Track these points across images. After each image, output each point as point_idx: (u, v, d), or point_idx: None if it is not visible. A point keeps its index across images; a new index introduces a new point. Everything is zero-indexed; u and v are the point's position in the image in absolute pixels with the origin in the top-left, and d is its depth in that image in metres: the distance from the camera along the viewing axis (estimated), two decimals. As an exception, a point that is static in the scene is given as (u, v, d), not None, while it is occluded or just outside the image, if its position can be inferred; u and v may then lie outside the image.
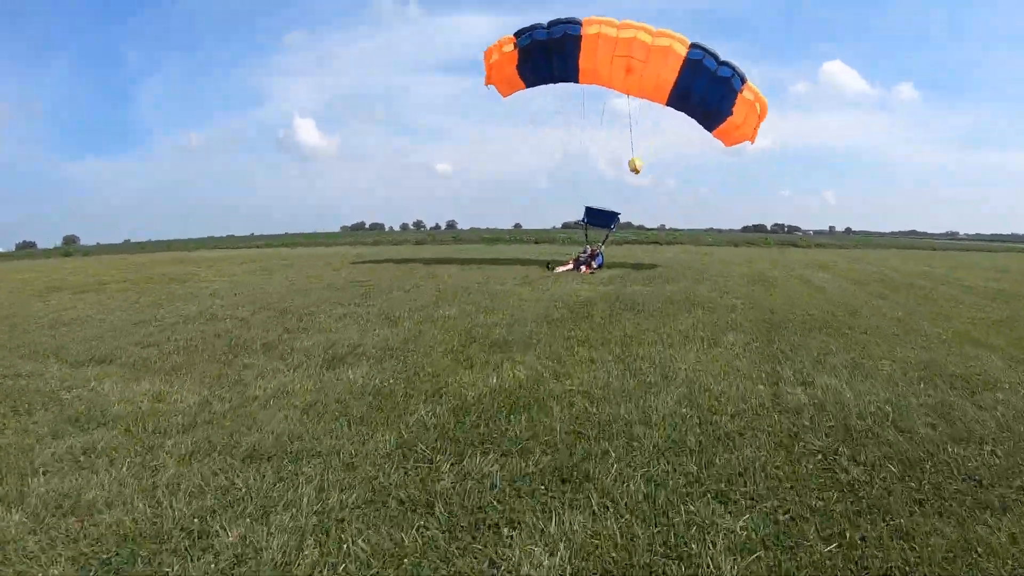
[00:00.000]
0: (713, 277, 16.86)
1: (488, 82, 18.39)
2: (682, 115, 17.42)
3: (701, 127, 17.65)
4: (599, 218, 19.51)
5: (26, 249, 74.88)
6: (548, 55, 17.09)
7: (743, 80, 16.71)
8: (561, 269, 17.76)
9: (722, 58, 16.36)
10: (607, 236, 20.10)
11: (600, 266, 18.15)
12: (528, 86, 18.37)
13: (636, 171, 17.74)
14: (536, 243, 40.96)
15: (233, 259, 29.41)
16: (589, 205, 19.34)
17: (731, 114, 16.97)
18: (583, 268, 17.65)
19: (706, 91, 16.67)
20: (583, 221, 19.77)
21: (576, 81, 17.65)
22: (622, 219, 20.87)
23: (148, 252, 45.19)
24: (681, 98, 17.05)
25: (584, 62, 16.95)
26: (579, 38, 16.53)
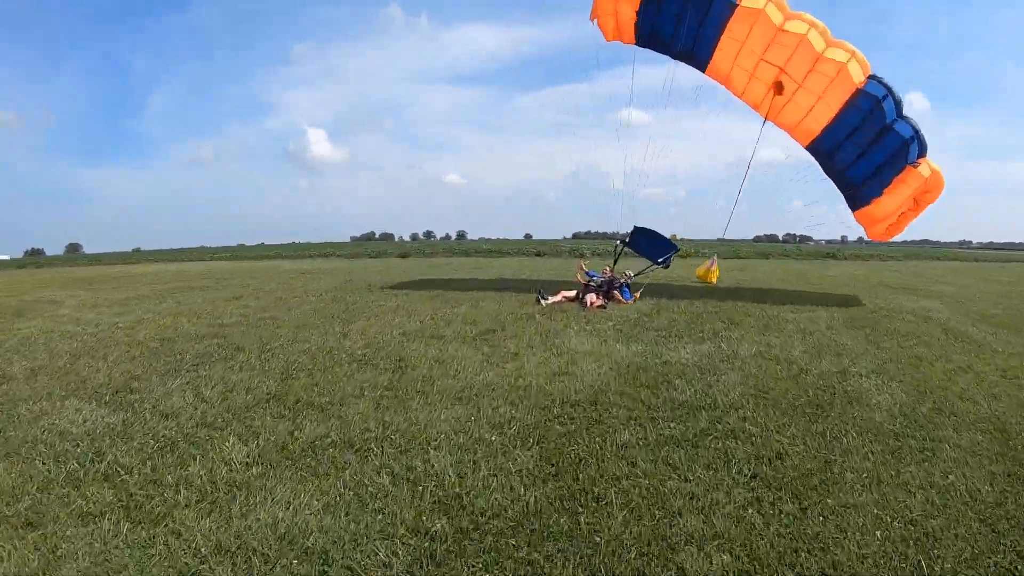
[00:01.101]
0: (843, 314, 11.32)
1: (594, 15, 12.57)
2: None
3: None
4: (650, 245, 13.81)
5: (34, 256, 73.02)
6: (683, 7, 11.22)
7: (922, 149, 10.91)
8: (553, 300, 12.48)
9: (903, 106, 10.66)
10: (650, 268, 14.05)
11: (628, 300, 12.72)
12: (638, 43, 12.44)
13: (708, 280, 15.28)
14: (539, 255, 35.84)
15: (155, 278, 24.15)
16: (640, 226, 13.81)
17: (881, 195, 11.39)
18: (591, 300, 12.11)
19: (866, 148, 11.03)
20: (622, 242, 14.15)
21: (701, 69, 12.17)
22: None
23: (102, 264, 40.72)
24: (827, 152, 11.66)
25: (722, 51, 11.47)
26: (733, 5, 10.72)
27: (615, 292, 12.77)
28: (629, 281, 13.20)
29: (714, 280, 15.53)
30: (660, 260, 13.65)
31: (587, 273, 13.65)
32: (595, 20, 12.62)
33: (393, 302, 13.14)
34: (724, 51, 11.44)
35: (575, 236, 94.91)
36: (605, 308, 11.75)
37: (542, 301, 12.30)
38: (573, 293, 12.72)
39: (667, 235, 14.04)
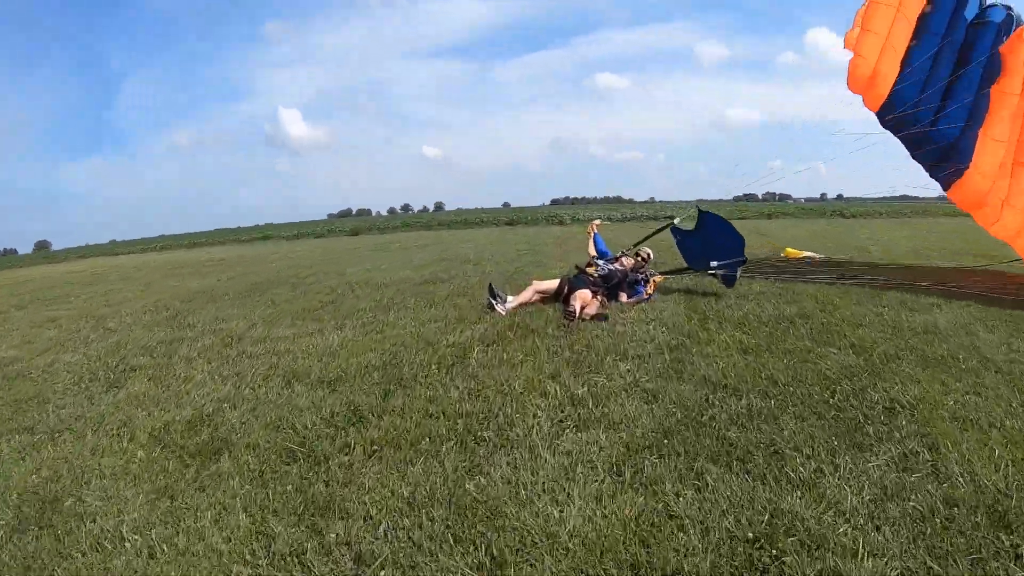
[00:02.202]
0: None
1: (855, 79, 7.36)
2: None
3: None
4: (707, 243, 7.81)
5: (7, 255, 67.53)
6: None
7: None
8: (517, 301, 7.08)
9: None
10: (693, 273, 8.36)
11: (645, 299, 7.30)
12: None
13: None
14: (510, 224, 30.24)
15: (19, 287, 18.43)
16: (708, 210, 8.00)
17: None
18: (582, 305, 6.51)
19: None
20: (671, 225, 8.46)
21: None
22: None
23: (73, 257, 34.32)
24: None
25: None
26: None
27: (622, 292, 7.34)
28: (651, 277, 7.58)
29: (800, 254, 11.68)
30: (719, 267, 7.41)
31: (596, 245, 8.21)
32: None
33: (216, 335, 7.61)
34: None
35: (553, 202, 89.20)
36: (606, 319, 6.36)
37: (497, 306, 6.97)
38: (551, 285, 7.25)
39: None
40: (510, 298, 7.27)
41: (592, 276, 7.22)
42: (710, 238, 7.70)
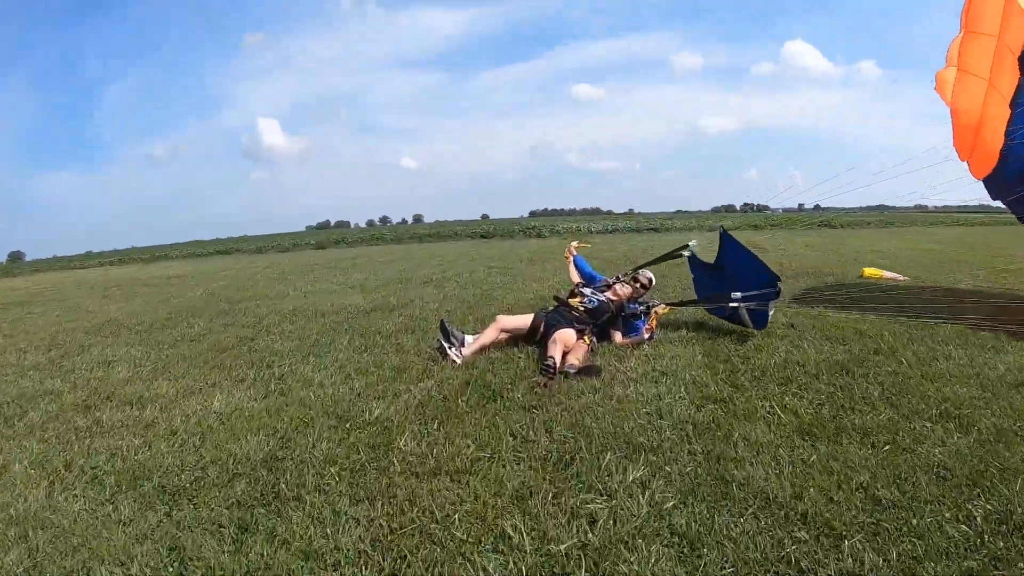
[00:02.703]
0: None
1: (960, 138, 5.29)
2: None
3: None
4: (722, 275, 5.89)
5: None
6: None
7: None
8: (476, 345, 5.22)
9: None
10: (703, 302, 6.14)
11: (645, 338, 5.42)
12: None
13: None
14: (485, 237, 28.48)
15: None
16: (730, 233, 5.96)
17: None
18: (564, 351, 4.80)
19: None
20: (683, 251, 6.42)
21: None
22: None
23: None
24: None
25: None
26: None
27: (615, 329, 5.61)
28: (653, 309, 5.68)
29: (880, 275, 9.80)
30: (745, 299, 5.43)
31: (581, 270, 6.46)
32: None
33: (84, 389, 5.75)
34: None
35: (532, 214, 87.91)
36: (598, 373, 4.54)
37: (450, 351, 5.17)
38: (522, 323, 5.40)
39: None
40: (469, 338, 5.51)
41: (576, 310, 5.50)
42: (733, 272, 5.66)
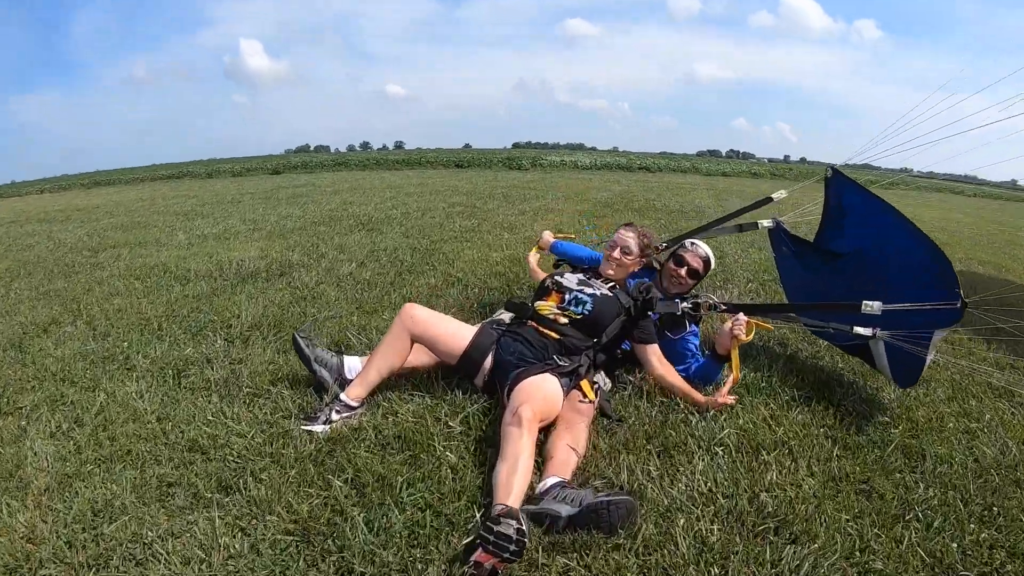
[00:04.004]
0: None
1: None
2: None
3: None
4: (858, 266, 2.83)
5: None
6: None
7: None
8: (357, 391, 2.45)
9: None
10: (793, 312, 3.26)
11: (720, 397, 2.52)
12: None
13: None
14: (460, 167, 24.93)
15: None
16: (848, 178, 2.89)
17: None
18: (511, 532, 1.56)
19: None
20: (783, 245, 3.32)
21: None
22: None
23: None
24: None
25: None
26: None
27: (643, 342, 2.63)
28: (707, 308, 2.77)
29: None
30: (883, 326, 2.51)
31: (569, 257, 3.33)
32: None
33: None
34: None
35: (515, 146, 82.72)
36: (619, 516, 1.69)
37: (318, 422, 2.39)
38: (453, 345, 2.49)
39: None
40: (355, 362, 2.73)
41: (554, 326, 2.59)
42: (863, 264, 2.84)
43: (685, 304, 2.76)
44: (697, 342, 2.97)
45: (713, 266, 3.11)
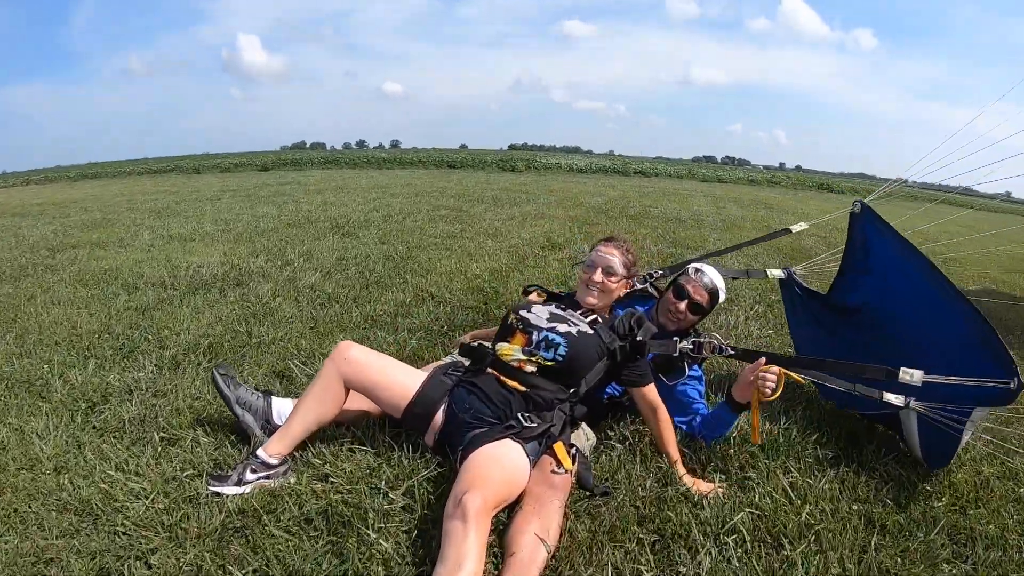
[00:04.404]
0: None
1: None
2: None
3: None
4: (885, 324, 2.43)
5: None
6: None
7: None
8: (277, 448, 1.98)
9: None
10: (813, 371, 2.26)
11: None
12: None
13: None
14: (452, 167, 24.42)
15: None
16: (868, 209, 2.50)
17: None
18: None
19: None
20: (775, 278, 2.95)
21: None
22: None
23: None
24: None
25: None
26: None
27: (637, 385, 2.11)
28: (711, 348, 2.24)
29: None
30: (918, 398, 2.00)
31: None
32: None
33: None
34: None
35: (511, 147, 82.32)
36: None
37: (228, 484, 1.93)
38: (392, 387, 2.01)
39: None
40: (284, 405, 2.24)
41: (521, 370, 2.02)
42: (889, 304, 2.41)
43: (684, 344, 2.26)
44: (702, 388, 2.45)
45: (722, 300, 2.60)
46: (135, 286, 4.81)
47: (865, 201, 2.49)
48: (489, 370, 2.04)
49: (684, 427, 2.29)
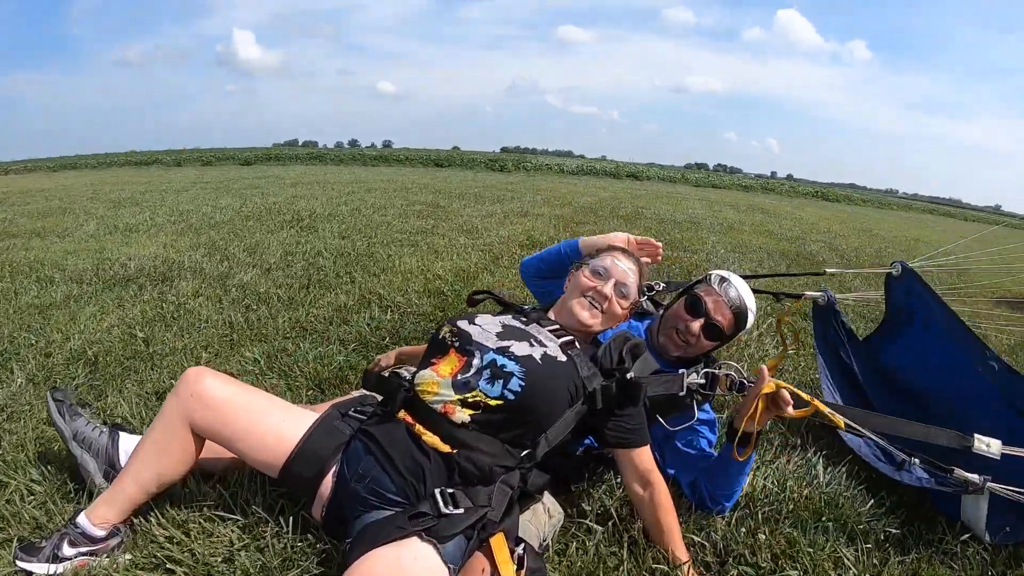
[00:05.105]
0: None
1: None
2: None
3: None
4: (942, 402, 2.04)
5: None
6: None
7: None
8: (119, 496, 1.38)
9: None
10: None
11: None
12: None
13: None
14: (439, 166, 23.79)
15: None
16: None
17: None
18: None
19: None
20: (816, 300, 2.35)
21: None
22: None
23: None
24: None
25: None
26: None
27: (628, 446, 1.47)
28: (738, 386, 1.65)
29: None
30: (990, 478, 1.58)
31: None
32: None
33: None
34: None
35: (503, 150, 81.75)
36: None
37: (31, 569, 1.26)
38: (263, 436, 1.37)
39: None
40: (128, 442, 1.65)
41: (448, 417, 1.34)
42: (933, 376, 2.09)
43: (693, 377, 1.66)
44: (714, 437, 1.84)
45: (749, 325, 1.88)
46: (50, 280, 4.20)
47: (910, 265, 2.20)
48: (401, 415, 1.38)
49: (688, 492, 1.71)
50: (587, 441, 1.74)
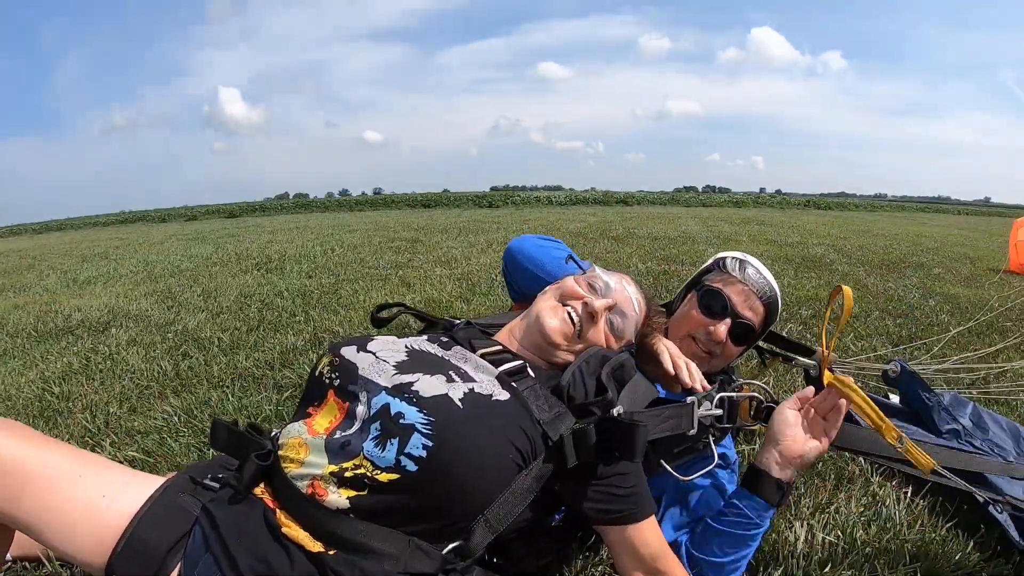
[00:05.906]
0: None
1: None
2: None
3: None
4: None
5: None
6: None
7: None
8: None
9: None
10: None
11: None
12: None
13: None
14: (427, 207, 23.73)
15: None
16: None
17: None
18: None
19: None
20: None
21: None
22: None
23: None
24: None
25: None
26: None
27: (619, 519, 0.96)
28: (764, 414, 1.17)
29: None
30: None
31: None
32: None
33: None
34: None
35: (492, 189, 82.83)
36: None
37: None
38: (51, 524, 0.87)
39: None
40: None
41: (317, 500, 0.86)
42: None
43: (706, 407, 1.14)
44: (735, 479, 1.37)
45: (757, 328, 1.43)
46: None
47: (907, 366, 1.99)
48: (258, 492, 0.93)
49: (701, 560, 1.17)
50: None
